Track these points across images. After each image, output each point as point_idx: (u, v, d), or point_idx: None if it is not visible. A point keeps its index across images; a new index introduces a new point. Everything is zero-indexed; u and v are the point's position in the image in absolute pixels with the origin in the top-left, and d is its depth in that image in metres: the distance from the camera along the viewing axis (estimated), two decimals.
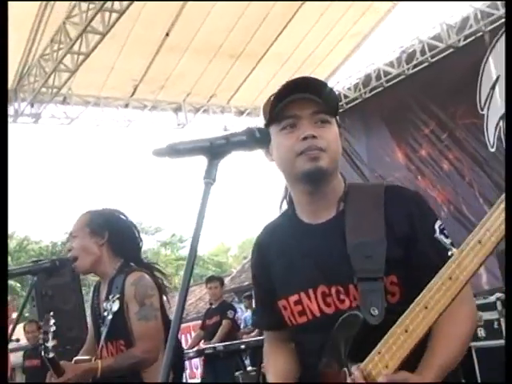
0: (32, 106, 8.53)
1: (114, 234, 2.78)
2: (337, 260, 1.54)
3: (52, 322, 2.56)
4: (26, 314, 10.59)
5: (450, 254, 1.49)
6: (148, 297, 2.63)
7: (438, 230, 1.56)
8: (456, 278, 1.25)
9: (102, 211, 2.89)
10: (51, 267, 2.63)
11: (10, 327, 2.84)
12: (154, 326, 2.61)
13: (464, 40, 8.39)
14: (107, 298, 2.69)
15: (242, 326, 9.63)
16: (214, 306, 7.93)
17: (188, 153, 1.27)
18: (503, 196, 1.19)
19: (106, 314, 2.67)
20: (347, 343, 1.37)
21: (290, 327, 1.67)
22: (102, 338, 2.68)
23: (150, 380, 2.58)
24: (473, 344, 5.57)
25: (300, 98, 1.59)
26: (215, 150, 1.25)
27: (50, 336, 2.53)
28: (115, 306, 2.63)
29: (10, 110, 8.52)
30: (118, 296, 2.63)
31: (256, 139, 1.29)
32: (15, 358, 12.40)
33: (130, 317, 2.62)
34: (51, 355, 2.51)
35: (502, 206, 1.19)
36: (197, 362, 12.66)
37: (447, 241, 1.55)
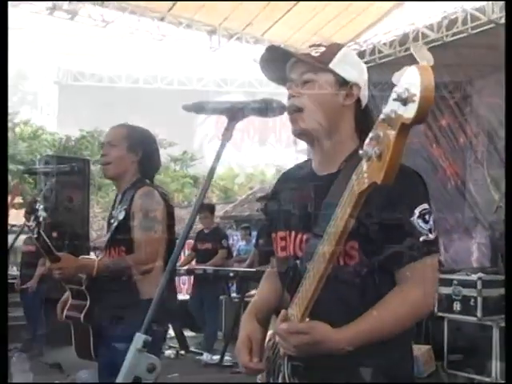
0: (70, 1, 8.54)
1: (146, 155, 2.93)
2: (315, 213, 1.63)
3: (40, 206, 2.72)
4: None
5: (422, 239, 1.56)
6: (152, 210, 2.75)
7: (416, 214, 1.57)
8: (323, 254, 1.38)
9: (138, 129, 3.02)
10: (70, 171, 2.81)
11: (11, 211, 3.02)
12: (153, 238, 2.73)
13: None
14: (117, 208, 2.85)
15: (234, 254, 9.94)
16: (205, 231, 8.10)
17: (211, 111, 1.44)
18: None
19: (112, 221, 2.84)
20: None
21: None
22: (105, 242, 2.86)
23: (143, 287, 2.70)
24: (446, 315, 5.81)
25: (292, 62, 1.73)
26: (235, 113, 1.41)
27: (32, 218, 2.68)
28: (121, 215, 2.77)
29: (48, 3, 8.56)
30: (125, 207, 2.77)
31: (271, 109, 1.45)
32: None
33: (134, 227, 2.75)
34: (35, 235, 2.69)
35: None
36: (185, 278, 13.08)
37: (425, 226, 1.57)
